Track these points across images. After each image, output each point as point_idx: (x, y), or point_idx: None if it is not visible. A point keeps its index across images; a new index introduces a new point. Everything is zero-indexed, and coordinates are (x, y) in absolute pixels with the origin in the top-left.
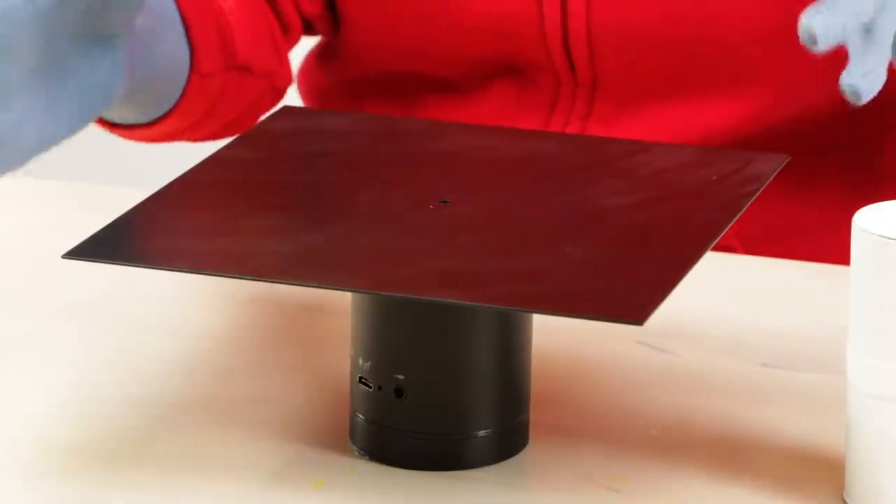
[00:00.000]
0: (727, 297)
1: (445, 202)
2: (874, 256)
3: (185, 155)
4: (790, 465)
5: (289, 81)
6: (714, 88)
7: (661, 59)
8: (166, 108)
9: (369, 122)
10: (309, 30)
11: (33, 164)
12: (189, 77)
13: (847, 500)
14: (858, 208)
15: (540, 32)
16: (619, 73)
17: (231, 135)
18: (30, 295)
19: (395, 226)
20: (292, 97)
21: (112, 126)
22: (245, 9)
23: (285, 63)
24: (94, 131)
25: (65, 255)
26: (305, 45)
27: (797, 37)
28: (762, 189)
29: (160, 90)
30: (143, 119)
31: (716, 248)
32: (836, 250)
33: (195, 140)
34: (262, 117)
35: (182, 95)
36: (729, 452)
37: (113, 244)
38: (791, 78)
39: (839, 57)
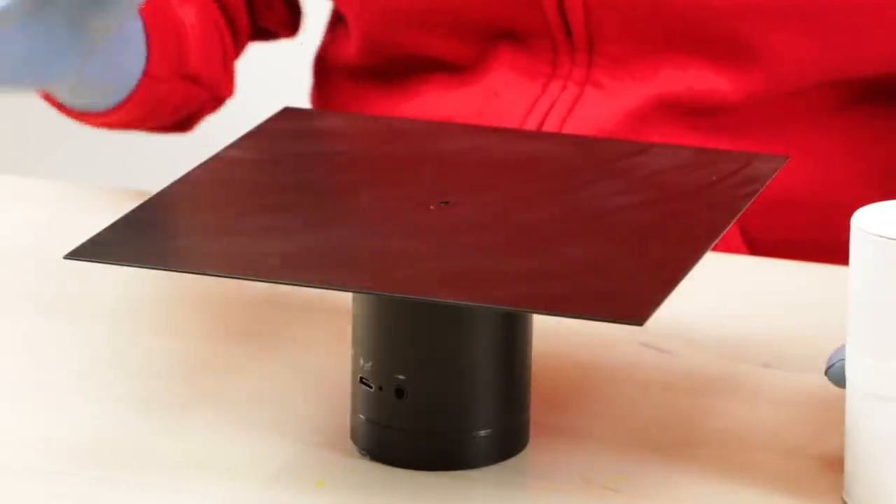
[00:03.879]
0: (727, 297)
1: (446, 202)
2: (874, 256)
3: (186, 156)
4: (790, 465)
5: (230, 93)
6: (707, 57)
7: (655, 21)
8: (115, 101)
9: (369, 123)
10: (269, 36)
11: (33, 165)
12: (141, 78)
13: (847, 500)
14: (857, 187)
15: None
16: (614, 35)
17: (176, 132)
18: (30, 295)
19: (395, 226)
20: (294, 98)
21: (69, 112)
22: (203, 23)
23: (230, 75)
24: (94, 131)
25: (66, 255)
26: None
27: (793, 20)
28: (762, 189)
29: (109, 87)
30: (95, 107)
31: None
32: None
33: (148, 131)
34: (264, 119)
35: (131, 93)
36: (729, 452)
37: (114, 245)
38: (785, 59)
39: (830, 46)
